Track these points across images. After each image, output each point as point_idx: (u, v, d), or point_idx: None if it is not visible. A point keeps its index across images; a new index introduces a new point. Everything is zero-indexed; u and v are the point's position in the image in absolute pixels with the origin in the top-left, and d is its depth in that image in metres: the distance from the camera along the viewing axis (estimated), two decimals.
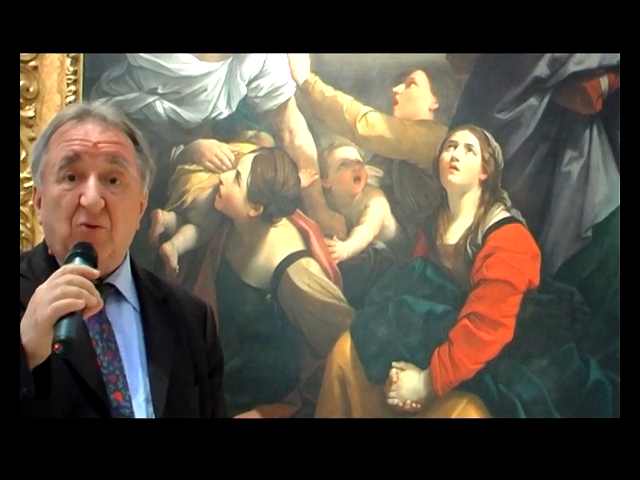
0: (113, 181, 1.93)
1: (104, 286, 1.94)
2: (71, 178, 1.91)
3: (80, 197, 1.90)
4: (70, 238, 1.90)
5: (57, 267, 1.89)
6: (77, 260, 1.83)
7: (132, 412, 1.88)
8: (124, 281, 1.98)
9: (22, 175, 3.21)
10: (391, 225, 3.64)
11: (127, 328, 1.95)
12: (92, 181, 1.90)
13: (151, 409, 1.90)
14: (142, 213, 2.04)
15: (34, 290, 1.81)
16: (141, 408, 1.89)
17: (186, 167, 3.69)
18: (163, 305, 2.02)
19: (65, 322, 1.73)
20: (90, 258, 1.85)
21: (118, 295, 1.97)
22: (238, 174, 3.64)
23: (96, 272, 1.81)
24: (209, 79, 3.65)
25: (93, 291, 1.78)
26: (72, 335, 1.73)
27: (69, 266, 1.80)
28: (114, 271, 1.97)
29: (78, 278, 1.77)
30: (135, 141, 2.00)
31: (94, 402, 1.85)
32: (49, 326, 1.73)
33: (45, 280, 1.81)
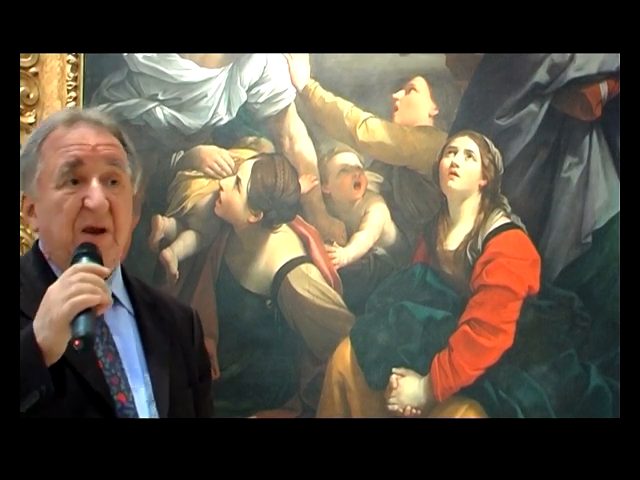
0: (114, 182, 1.93)
1: None
2: (73, 182, 1.91)
3: (84, 200, 1.89)
4: (72, 243, 1.90)
5: (50, 272, 1.89)
6: (84, 259, 1.83)
7: (136, 413, 1.89)
8: (118, 286, 1.99)
9: None
10: (391, 231, 3.64)
11: (124, 331, 1.96)
12: (95, 183, 1.90)
13: (154, 410, 1.91)
14: None
15: (29, 295, 1.81)
16: (144, 409, 1.90)
17: (186, 173, 3.69)
18: (154, 310, 2.02)
19: (82, 318, 1.74)
20: (96, 257, 1.85)
21: (113, 300, 1.95)
22: (238, 180, 3.64)
23: (106, 270, 1.83)
24: (209, 85, 3.65)
25: (106, 288, 1.79)
26: (91, 331, 1.74)
27: (80, 265, 1.81)
28: (108, 276, 1.97)
29: (91, 275, 1.77)
30: (124, 143, 2.00)
31: (99, 404, 1.85)
32: (66, 323, 1.74)
33: (40, 285, 1.81)
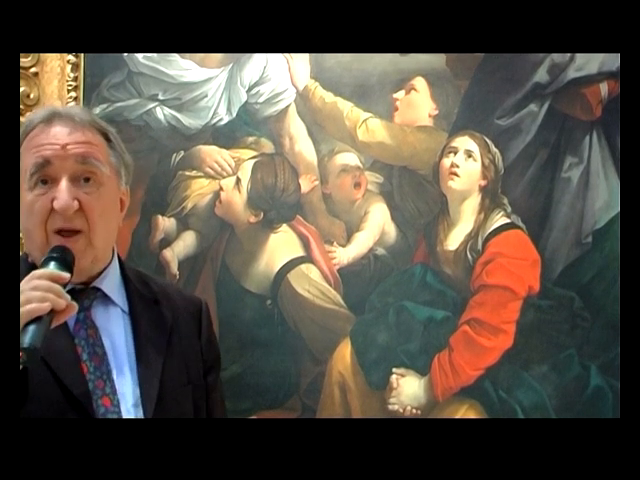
0: (87, 180, 1.90)
1: (90, 290, 1.93)
2: (44, 182, 1.89)
3: (53, 201, 1.87)
4: (47, 245, 1.87)
5: None
6: (52, 265, 1.80)
7: (120, 417, 1.85)
8: (111, 284, 1.96)
9: None
10: (391, 231, 3.64)
11: (115, 331, 1.93)
12: (64, 184, 1.88)
13: (140, 413, 1.88)
14: (124, 211, 2.01)
15: None
16: (130, 413, 1.87)
17: (186, 173, 3.69)
18: (154, 306, 1.99)
19: (30, 329, 1.68)
20: (65, 262, 1.81)
21: (105, 298, 1.94)
22: (238, 180, 3.64)
23: (65, 275, 1.78)
24: (209, 85, 3.65)
25: (62, 294, 1.74)
26: (36, 343, 1.67)
27: (37, 272, 1.78)
28: (100, 274, 1.94)
29: (44, 283, 1.74)
30: (107, 138, 1.97)
31: (79, 410, 1.83)
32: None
33: None
